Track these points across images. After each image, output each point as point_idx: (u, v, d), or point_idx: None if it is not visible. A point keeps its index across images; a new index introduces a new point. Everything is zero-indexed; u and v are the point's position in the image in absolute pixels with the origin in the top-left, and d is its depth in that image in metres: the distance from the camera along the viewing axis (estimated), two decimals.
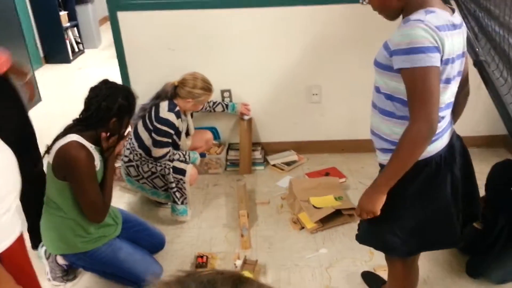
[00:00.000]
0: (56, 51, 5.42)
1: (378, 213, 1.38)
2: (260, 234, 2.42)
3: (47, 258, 2.04)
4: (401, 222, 1.42)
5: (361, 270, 2.09)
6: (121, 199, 2.79)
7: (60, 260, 2.05)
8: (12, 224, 1.15)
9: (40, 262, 2.06)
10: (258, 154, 3.06)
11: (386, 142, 1.38)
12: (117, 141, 1.82)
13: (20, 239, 1.20)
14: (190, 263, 2.22)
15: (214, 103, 2.87)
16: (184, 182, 2.42)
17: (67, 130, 1.72)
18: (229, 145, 3.16)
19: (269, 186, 2.85)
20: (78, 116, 1.78)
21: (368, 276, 2.05)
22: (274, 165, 3.06)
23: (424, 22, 1.18)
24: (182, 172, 2.41)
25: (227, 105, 2.90)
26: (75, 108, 1.87)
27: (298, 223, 2.46)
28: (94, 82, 1.84)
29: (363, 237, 1.55)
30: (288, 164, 3.06)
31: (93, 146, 1.75)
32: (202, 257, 2.21)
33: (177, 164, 2.42)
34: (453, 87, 1.32)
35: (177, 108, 2.38)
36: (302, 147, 3.18)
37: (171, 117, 2.34)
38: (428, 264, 2.12)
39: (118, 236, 2.05)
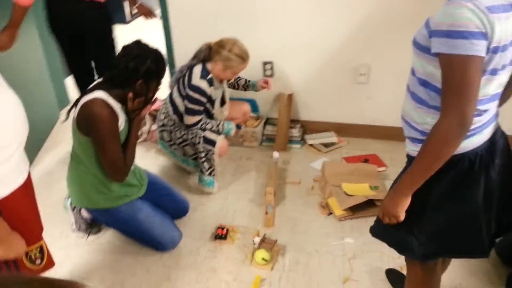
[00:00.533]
0: (114, 11, 5.50)
1: (402, 218, 1.24)
2: (286, 214, 2.33)
3: (73, 210, 2.09)
4: (421, 223, 1.27)
5: (386, 266, 1.95)
6: (155, 162, 2.81)
7: (84, 213, 2.10)
8: (13, 173, 1.14)
9: (66, 213, 2.12)
10: (296, 132, 2.94)
11: (416, 131, 1.22)
12: (144, 104, 1.78)
13: (24, 189, 1.19)
14: (211, 232, 2.19)
15: (239, 77, 2.70)
16: (213, 153, 2.37)
17: (96, 87, 1.71)
18: (267, 119, 3.06)
19: (302, 166, 2.74)
20: (107, 74, 1.76)
21: (392, 274, 1.91)
22: (311, 145, 2.93)
23: (472, 0, 0.98)
24: (212, 142, 2.36)
25: (249, 82, 2.68)
26: None
27: (327, 208, 2.34)
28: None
29: (377, 231, 1.42)
30: (326, 145, 2.91)
31: (119, 105, 1.72)
32: (222, 229, 2.18)
33: (208, 134, 2.37)
34: (502, 78, 1.12)
35: (210, 75, 2.30)
36: (343, 130, 3.01)
37: (203, 84, 2.27)
38: (462, 272, 1.93)
39: (141, 197, 2.06)
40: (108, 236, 2.19)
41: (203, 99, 2.30)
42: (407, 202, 1.22)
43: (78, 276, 1.94)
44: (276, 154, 2.53)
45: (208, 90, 2.29)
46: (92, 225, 2.16)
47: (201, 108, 2.32)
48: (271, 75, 2.91)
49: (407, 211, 1.25)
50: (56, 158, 2.84)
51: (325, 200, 2.38)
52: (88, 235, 2.15)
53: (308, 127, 3.06)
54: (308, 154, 2.88)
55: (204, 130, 2.38)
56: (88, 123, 1.65)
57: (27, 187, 1.23)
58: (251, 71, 2.91)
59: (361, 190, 2.34)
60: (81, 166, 1.82)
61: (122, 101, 1.73)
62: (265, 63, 2.87)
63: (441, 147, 1.06)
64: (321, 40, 2.75)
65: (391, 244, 1.39)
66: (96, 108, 1.61)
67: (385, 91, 2.81)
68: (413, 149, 1.23)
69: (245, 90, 2.68)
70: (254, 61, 2.86)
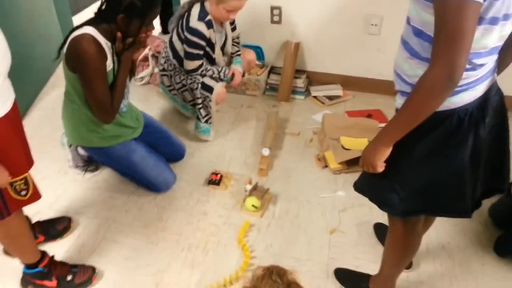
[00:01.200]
0: None
1: (379, 169, 1.21)
2: (281, 164, 2.33)
3: (69, 147, 2.12)
4: (403, 178, 1.25)
5: (375, 221, 1.96)
6: (156, 105, 2.80)
7: (81, 151, 2.13)
8: None
9: (63, 150, 2.16)
10: (300, 82, 2.87)
11: (406, 85, 1.16)
12: (133, 46, 1.71)
13: (6, 120, 1.20)
14: (205, 177, 2.21)
15: (237, 41, 2.56)
16: (210, 100, 2.33)
17: (86, 22, 1.66)
18: (272, 68, 2.98)
19: (304, 118, 2.70)
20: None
21: (380, 229, 1.92)
22: (315, 97, 2.87)
23: None
24: (210, 89, 2.31)
25: (236, 54, 2.55)
26: None
27: (323, 161, 2.33)
28: None
29: (359, 185, 1.40)
30: (330, 98, 2.85)
31: (109, 43, 1.68)
32: (217, 174, 2.19)
33: (207, 80, 2.32)
34: (505, 29, 1.03)
35: (209, 17, 2.21)
36: (350, 82, 2.92)
37: (201, 27, 2.19)
38: (452, 230, 1.94)
39: (137, 139, 2.07)
40: (104, 174, 2.24)
41: (202, 43, 2.23)
42: (386, 152, 1.18)
43: (74, 211, 2.01)
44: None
45: (207, 32, 2.21)
46: (89, 163, 2.20)
47: (201, 52, 2.26)
48: (278, 21, 2.80)
49: (391, 166, 1.22)
50: (60, 95, 2.82)
51: (322, 153, 2.36)
52: (85, 172, 2.20)
53: (314, 78, 2.98)
54: (311, 105, 2.83)
55: (203, 76, 2.34)
56: (75, 59, 1.61)
57: (11, 119, 1.23)
58: (258, 17, 2.81)
59: (359, 145, 2.30)
60: (73, 104, 1.81)
61: (112, 39, 1.69)
62: (273, 8, 2.75)
63: (425, 99, 1.00)
64: None
65: (372, 199, 1.37)
66: (84, 44, 1.57)
67: (396, 45, 2.67)
68: (401, 102, 1.18)
69: (230, 59, 2.56)
70: (262, 5, 2.76)
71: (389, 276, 1.58)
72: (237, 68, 2.46)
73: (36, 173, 2.18)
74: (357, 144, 2.32)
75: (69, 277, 1.63)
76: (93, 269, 1.69)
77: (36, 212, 1.97)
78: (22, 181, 1.29)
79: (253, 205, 1.98)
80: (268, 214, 2.03)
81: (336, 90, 2.89)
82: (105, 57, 1.65)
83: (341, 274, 1.75)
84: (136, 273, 1.74)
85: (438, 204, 1.27)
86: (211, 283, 1.67)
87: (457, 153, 1.15)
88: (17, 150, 1.28)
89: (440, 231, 1.92)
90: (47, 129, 2.48)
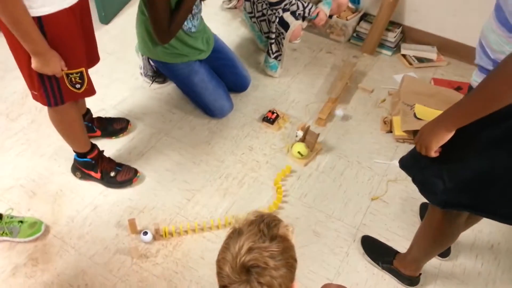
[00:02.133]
0: None
1: (432, 153, 1.07)
2: (343, 118, 2.20)
3: (142, 55, 2.19)
4: (454, 166, 1.09)
5: (424, 200, 1.80)
6: (235, 31, 2.75)
7: (152, 61, 2.19)
8: None
9: (137, 57, 2.24)
10: (392, 36, 2.60)
11: (487, 59, 0.96)
12: None
13: (71, 13, 1.24)
14: (262, 113, 2.18)
15: None
16: (283, 38, 2.21)
17: None
18: (364, 15, 2.73)
19: (383, 76, 2.48)
20: None
21: (426, 210, 1.76)
22: (403, 55, 2.60)
23: None
24: (286, 26, 2.18)
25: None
26: None
27: (388, 125, 2.15)
28: None
29: (406, 163, 1.26)
30: (420, 60, 2.56)
31: None
32: (273, 113, 2.15)
33: (286, 16, 2.18)
34: None
35: None
36: (448, 48, 2.58)
37: None
38: (508, 231, 1.72)
39: (202, 61, 2.07)
40: (169, 88, 2.31)
41: None
42: (446, 137, 1.03)
43: (134, 115, 2.13)
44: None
45: None
46: (158, 74, 2.27)
47: None
48: None
49: (444, 150, 1.07)
50: None
51: (391, 116, 2.18)
52: (152, 82, 2.28)
53: (408, 35, 2.68)
54: (396, 64, 2.57)
55: (286, 11, 2.20)
56: None
57: (75, 12, 1.28)
58: None
59: (434, 117, 2.07)
60: (143, 15, 1.83)
61: None
62: None
63: (505, 85, 0.84)
64: None
65: (414, 179, 1.24)
66: None
67: None
68: (477, 80, 1.00)
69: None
70: None
71: (415, 260, 1.48)
72: (324, 8, 2.28)
73: (111, 73, 2.36)
74: (432, 115, 2.05)
75: (112, 173, 1.76)
76: (135, 172, 1.81)
77: (101, 108, 2.13)
78: (78, 75, 1.37)
79: (299, 152, 1.93)
80: (313, 164, 1.97)
81: (430, 52, 2.58)
82: None
83: (368, 242, 1.67)
84: (172, 185, 1.83)
85: (487, 203, 1.11)
86: (236, 214, 1.71)
87: None
88: (77, 44, 1.34)
89: (494, 228, 1.72)
90: (130, 35, 2.58)
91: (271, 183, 1.87)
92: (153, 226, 1.63)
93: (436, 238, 1.33)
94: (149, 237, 1.61)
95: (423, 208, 1.79)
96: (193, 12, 1.84)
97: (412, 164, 1.25)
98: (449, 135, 1.03)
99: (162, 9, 1.67)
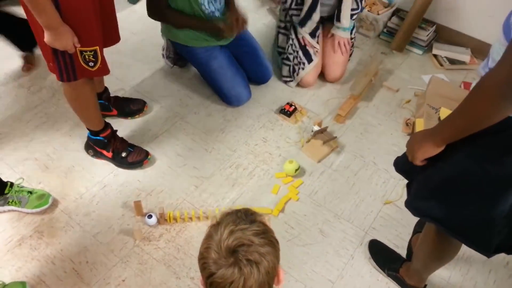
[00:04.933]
0: None
1: (417, 162, 1.02)
2: (363, 116, 2.13)
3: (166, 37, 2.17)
4: (427, 172, 1.03)
5: None
6: (261, 19, 2.70)
7: (173, 43, 2.17)
8: None
9: (162, 38, 2.23)
10: (423, 35, 2.48)
11: (486, 70, 0.90)
12: None
13: None
14: (279, 105, 2.14)
15: None
16: (302, 69, 2.16)
17: None
18: (397, 10, 2.61)
19: (411, 75, 2.38)
20: None
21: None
22: (434, 55, 2.48)
23: None
24: (309, 57, 2.13)
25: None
26: None
27: (410, 127, 2.06)
28: None
29: (398, 161, 1.21)
30: (452, 61, 2.44)
31: None
32: (291, 106, 2.10)
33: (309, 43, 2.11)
34: None
35: None
36: (483, 50, 2.44)
37: None
38: None
39: (223, 46, 2.03)
40: (189, 73, 2.29)
41: None
42: (433, 151, 0.98)
43: (151, 97, 2.12)
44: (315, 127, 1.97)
45: None
46: (179, 57, 2.25)
47: None
48: None
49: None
50: None
51: (414, 118, 2.09)
52: (173, 65, 2.27)
53: (443, 34, 2.55)
54: (426, 64, 2.46)
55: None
56: None
57: None
58: None
59: None
60: None
61: None
62: None
63: (479, 103, 0.80)
64: None
65: (407, 179, 1.20)
66: None
67: None
68: None
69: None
70: None
71: (417, 271, 1.41)
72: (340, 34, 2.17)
73: (134, 54, 2.36)
74: None
75: (123, 154, 1.77)
76: (146, 154, 1.81)
77: (120, 88, 2.14)
78: (92, 53, 1.36)
79: (296, 170, 1.81)
80: (327, 162, 1.91)
81: (463, 54, 2.45)
82: None
83: (376, 247, 1.61)
84: (182, 171, 1.82)
85: (458, 219, 1.02)
86: (243, 204, 1.69)
87: (503, 171, 0.89)
88: (92, 22, 1.33)
89: None
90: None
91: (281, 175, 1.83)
92: (158, 210, 1.63)
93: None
94: (153, 220, 1.60)
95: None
96: None
97: (401, 163, 1.20)
98: (438, 150, 0.98)
99: None
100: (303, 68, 2.15)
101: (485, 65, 0.96)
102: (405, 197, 1.76)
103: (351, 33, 2.20)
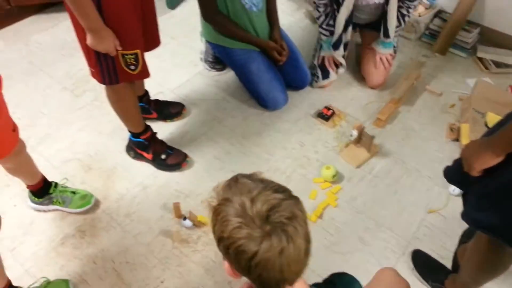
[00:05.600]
0: None
1: (474, 173, 0.97)
2: (405, 121, 2.07)
3: (204, 40, 2.19)
4: (489, 180, 0.97)
5: None
6: (299, 23, 2.67)
7: (212, 46, 2.18)
8: None
9: (201, 41, 2.25)
10: (468, 37, 2.39)
11: None
12: None
13: None
14: (317, 109, 2.10)
15: None
16: (316, 82, 2.19)
17: None
18: (439, 12, 2.53)
19: (454, 79, 2.29)
20: None
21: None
22: (479, 58, 2.38)
23: None
24: (327, 74, 2.16)
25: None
26: None
27: (455, 133, 1.98)
28: None
29: (448, 171, 1.15)
30: (498, 64, 2.33)
31: None
32: (329, 109, 2.06)
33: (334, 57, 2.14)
34: None
35: None
36: None
37: None
38: None
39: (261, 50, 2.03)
40: (227, 76, 2.29)
41: None
42: (491, 161, 0.93)
43: (190, 101, 2.14)
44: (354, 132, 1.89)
45: None
46: (218, 61, 2.26)
47: None
48: None
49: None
50: None
51: (459, 124, 2.01)
52: (211, 68, 2.28)
53: (486, 37, 2.45)
54: (470, 67, 2.36)
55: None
56: None
57: None
58: None
59: None
60: None
61: None
62: None
63: None
64: None
65: (463, 194, 1.13)
66: None
67: None
68: None
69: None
70: None
71: (464, 284, 1.34)
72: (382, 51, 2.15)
73: (172, 58, 2.39)
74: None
75: (163, 156, 1.79)
76: (185, 156, 1.82)
77: (159, 91, 2.17)
78: (133, 56, 1.38)
79: (333, 176, 1.78)
80: (367, 168, 1.86)
81: (510, 56, 2.34)
82: None
83: (419, 258, 1.55)
84: (220, 174, 1.82)
85: None
86: None
87: None
88: (133, 25, 1.34)
89: None
90: (194, 21, 2.59)
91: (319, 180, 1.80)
92: (190, 213, 1.62)
93: (483, 264, 1.19)
94: (189, 222, 1.61)
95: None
96: None
97: (453, 174, 1.14)
98: (497, 160, 0.92)
99: None
100: (316, 81, 2.18)
101: None
102: (450, 205, 1.72)
103: (393, 47, 2.16)
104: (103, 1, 1.22)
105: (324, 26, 2.06)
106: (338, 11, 1.97)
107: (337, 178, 1.79)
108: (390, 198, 1.75)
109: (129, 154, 1.86)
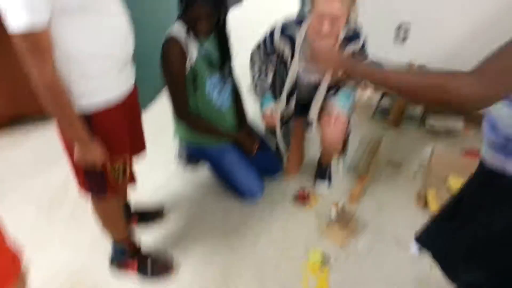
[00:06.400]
0: None
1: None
2: (375, 194, 2.18)
3: (177, 138, 2.25)
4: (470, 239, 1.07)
5: None
6: None
7: (185, 143, 2.24)
8: (105, 89, 1.26)
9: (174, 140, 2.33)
10: (416, 110, 2.65)
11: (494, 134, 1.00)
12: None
13: (119, 108, 1.32)
14: (293, 193, 2.19)
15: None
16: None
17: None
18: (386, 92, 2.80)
19: (411, 149, 2.48)
20: None
21: None
22: (430, 127, 2.62)
23: None
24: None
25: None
26: None
27: (423, 199, 2.11)
28: None
29: (423, 237, 1.24)
30: (447, 132, 2.57)
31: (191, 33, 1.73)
32: (304, 191, 2.15)
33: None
34: None
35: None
36: (475, 118, 2.60)
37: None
38: None
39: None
40: (203, 172, 2.36)
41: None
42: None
43: (168, 202, 2.16)
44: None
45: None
46: (191, 158, 2.32)
47: None
48: (404, 39, 2.62)
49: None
50: None
51: (424, 190, 2.14)
52: (187, 164, 2.33)
53: (433, 107, 2.72)
54: (425, 136, 2.59)
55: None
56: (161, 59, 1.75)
57: (126, 107, 1.36)
58: (381, 33, 2.66)
59: None
60: None
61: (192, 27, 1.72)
62: (400, 25, 2.57)
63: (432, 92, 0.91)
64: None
65: (435, 256, 1.21)
66: (165, 46, 1.70)
67: None
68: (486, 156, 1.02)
69: None
70: (388, 20, 2.60)
71: None
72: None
73: (148, 159, 2.42)
74: None
75: (148, 264, 1.75)
76: (171, 263, 1.79)
77: (138, 196, 2.18)
78: (121, 167, 1.42)
79: (316, 260, 1.84)
80: (351, 245, 1.92)
81: (456, 123, 2.60)
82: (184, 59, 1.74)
83: None
84: (209, 276, 1.79)
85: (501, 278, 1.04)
86: None
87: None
88: (123, 138, 1.40)
89: None
90: (165, 121, 2.67)
91: (308, 265, 1.82)
92: None
93: None
94: None
95: None
96: (219, 86, 1.94)
97: (432, 236, 1.22)
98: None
99: (179, 92, 1.84)
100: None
101: (488, 130, 1.05)
102: (436, 271, 1.76)
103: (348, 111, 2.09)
104: (94, 115, 1.26)
105: (261, 78, 2.08)
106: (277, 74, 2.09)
107: (324, 260, 1.82)
108: (378, 277, 1.77)
109: (112, 265, 1.81)
